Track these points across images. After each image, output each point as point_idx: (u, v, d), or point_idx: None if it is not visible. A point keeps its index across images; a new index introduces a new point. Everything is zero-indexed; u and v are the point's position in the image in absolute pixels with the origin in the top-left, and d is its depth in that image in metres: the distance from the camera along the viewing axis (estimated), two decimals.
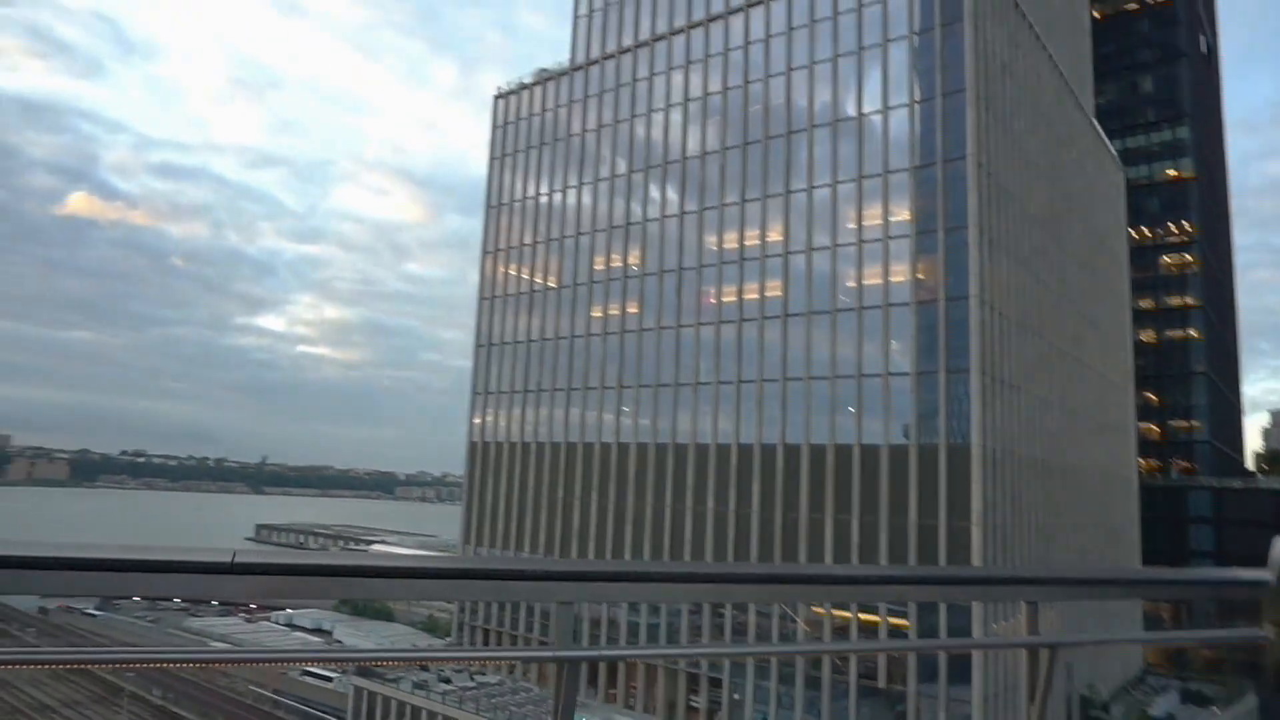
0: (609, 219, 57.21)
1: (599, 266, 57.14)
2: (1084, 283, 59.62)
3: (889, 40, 46.07)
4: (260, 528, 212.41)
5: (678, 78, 55.11)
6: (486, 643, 57.26)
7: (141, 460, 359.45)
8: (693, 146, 53.54)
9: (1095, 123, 68.00)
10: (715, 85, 52.97)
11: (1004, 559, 41.08)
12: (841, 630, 42.71)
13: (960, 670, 38.21)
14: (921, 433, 41.85)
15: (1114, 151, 73.04)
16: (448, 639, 62.95)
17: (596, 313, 56.41)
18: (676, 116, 54.75)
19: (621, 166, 57.29)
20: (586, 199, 59.01)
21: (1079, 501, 53.81)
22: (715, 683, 46.55)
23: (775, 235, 48.66)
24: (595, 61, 60.26)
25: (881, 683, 40.72)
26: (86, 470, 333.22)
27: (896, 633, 41.02)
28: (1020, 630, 3.11)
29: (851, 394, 44.16)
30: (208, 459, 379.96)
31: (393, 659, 2.98)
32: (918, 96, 44.77)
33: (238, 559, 2.28)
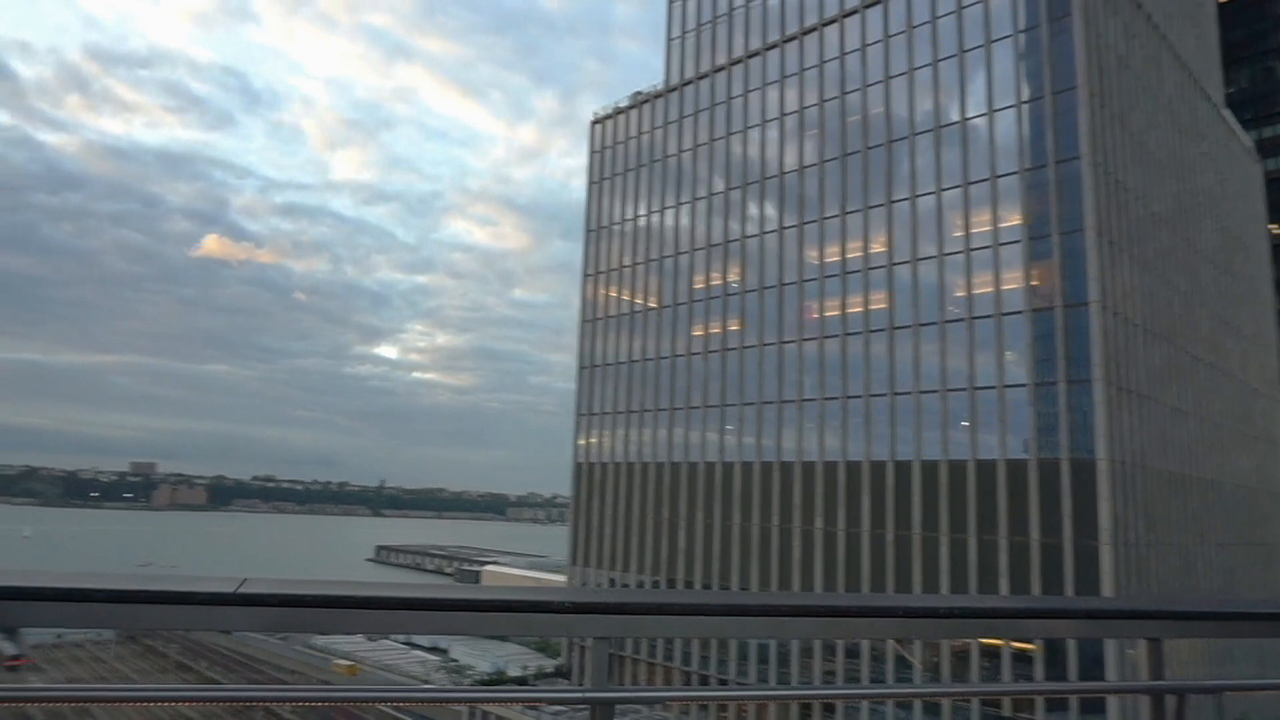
0: (708, 237, 57.10)
1: (699, 285, 57.03)
2: (1219, 284, 55.67)
3: (992, 40, 44.48)
4: (380, 549, 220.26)
5: (773, 93, 54.72)
6: (610, 666, 57.23)
7: (271, 485, 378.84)
8: (790, 161, 52.95)
9: (1226, 113, 63.70)
10: (812, 98, 52.32)
11: (1139, 580, 38.47)
12: (961, 654, 40.84)
13: (1094, 702, 35.91)
14: (1042, 446, 39.79)
15: (1249, 143, 68.22)
16: (558, 660, 63.43)
17: (698, 331, 56.25)
18: (773, 132, 54.31)
19: (719, 184, 57.16)
20: (685, 218, 59.10)
21: (1223, 518, 49.94)
22: (829, 709, 45.25)
23: (878, 246, 47.48)
24: (690, 82, 60.51)
25: (1007, 711, 38.66)
26: (222, 495, 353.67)
27: (988, 674, 38.92)
28: (1141, 672, 2.75)
29: (964, 407, 42.46)
30: (330, 483, 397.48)
31: (404, 698, 2.76)
32: (1026, 96, 43.00)
33: (242, 589, 2.29)
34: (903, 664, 43.36)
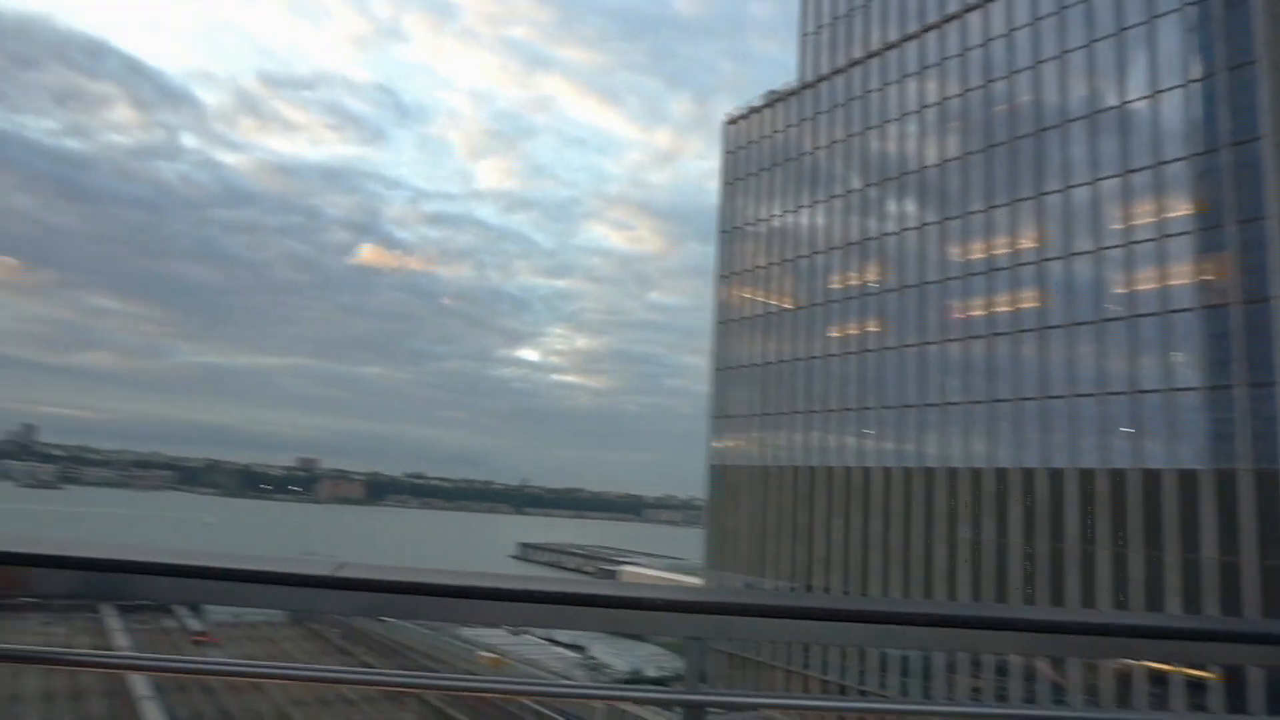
0: (844, 236, 55.74)
1: (836, 285, 55.77)
2: None
3: (1155, 16, 41.26)
4: (522, 545, 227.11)
5: (912, 86, 52.82)
6: (731, 669, 57.00)
7: (421, 482, 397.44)
8: (931, 155, 50.95)
9: None
10: (953, 89, 50.16)
11: None
12: (1126, 677, 38.09)
13: None
14: (1218, 456, 36.57)
15: None
16: None
17: (834, 332, 55.01)
18: (913, 126, 52.42)
19: (856, 182, 55.70)
20: (821, 217, 57.93)
21: None
22: None
23: (1027, 242, 44.99)
24: (825, 78, 59.26)
25: None
26: (377, 490, 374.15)
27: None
28: None
29: (1124, 412, 39.58)
30: (476, 481, 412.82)
31: (488, 691, 2.75)
32: (1196, 75, 39.65)
33: (340, 573, 2.31)
34: (1057, 684, 40.89)
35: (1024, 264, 44.89)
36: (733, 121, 67.20)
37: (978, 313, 46.67)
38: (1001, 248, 46.10)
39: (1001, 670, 41.70)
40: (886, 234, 52.88)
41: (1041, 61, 45.64)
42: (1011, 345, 44.64)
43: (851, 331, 53.91)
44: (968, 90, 49.28)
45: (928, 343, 48.84)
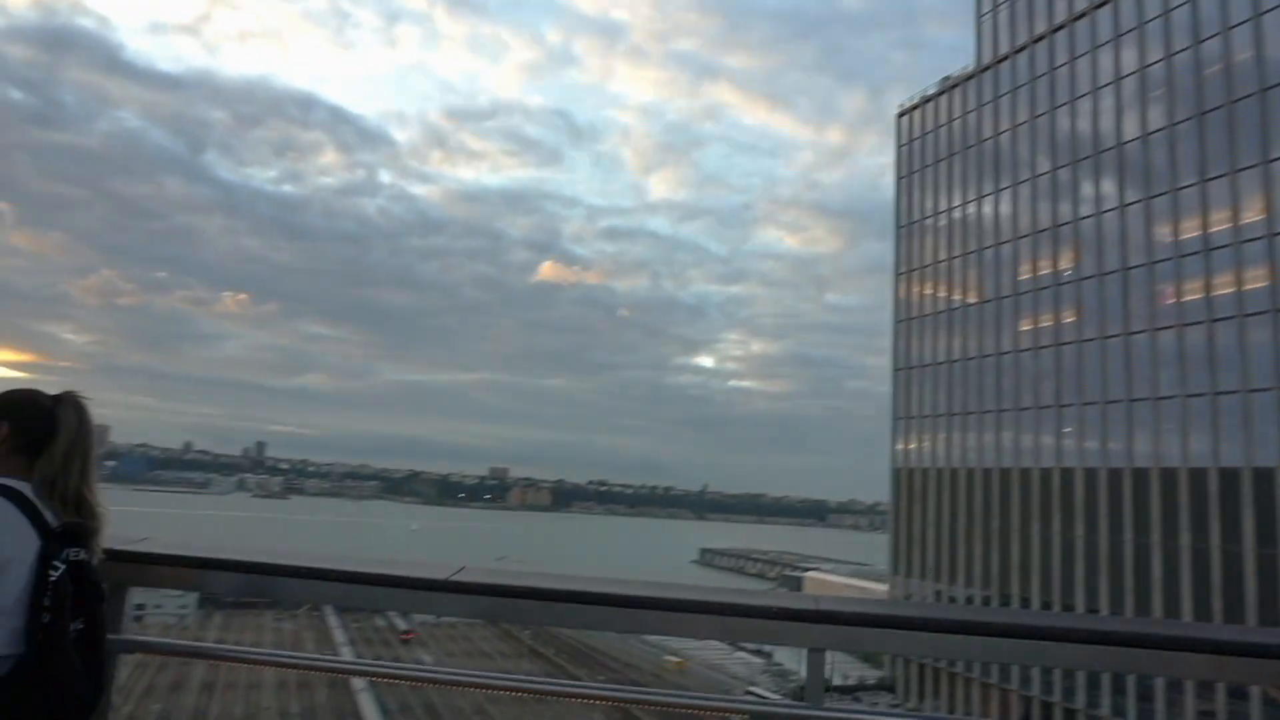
0: (1033, 223, 52.22)
1: (1025, 275, 52.33)
2: None
3: None
4: (704, 551, 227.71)
5: (1104, 56, 48.78)
6: (922, 681, 54.54)
7: (604, 489, 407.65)
8: (1130, 129, 46.82)
9: None
10: (1155, 54, 45.86)
11: None
12: None
13: None
14: None
15: None
16: (882, 671, 61.32)
17: (1025, 325, 51.60)
18: (1107, 99, 48.40)
19: (1044, 164, 52.09)
20: (1005, 205, 54.60)
21: None
22: None
23: (1252, 215, 40.33)
24: (1005, 58, 55.88)
25: None
26: (563, 497, 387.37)
27: None
28: None
29: None
30: (657, 487, 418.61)
31: (563, 693, 2.73)
32: None
33: (454, 577, 2.43)
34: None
35: (1249, 240, 40.28)
36: (906, 113, 64.71)
37: (1193, 296, 42.33)
38: (1220, 223, 41.59)
39: (1238, 694, 37.43)
40: (1081, 217, 49.08)
41: (1264, 12, 40.83)
42: (1236, 330, 40.14)
43: (1046, 323, 50.37)
44: (1172, 54, 44.89)
45: (1135, 331, 44.81)
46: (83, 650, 2.21)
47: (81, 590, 2.24)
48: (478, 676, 2.60)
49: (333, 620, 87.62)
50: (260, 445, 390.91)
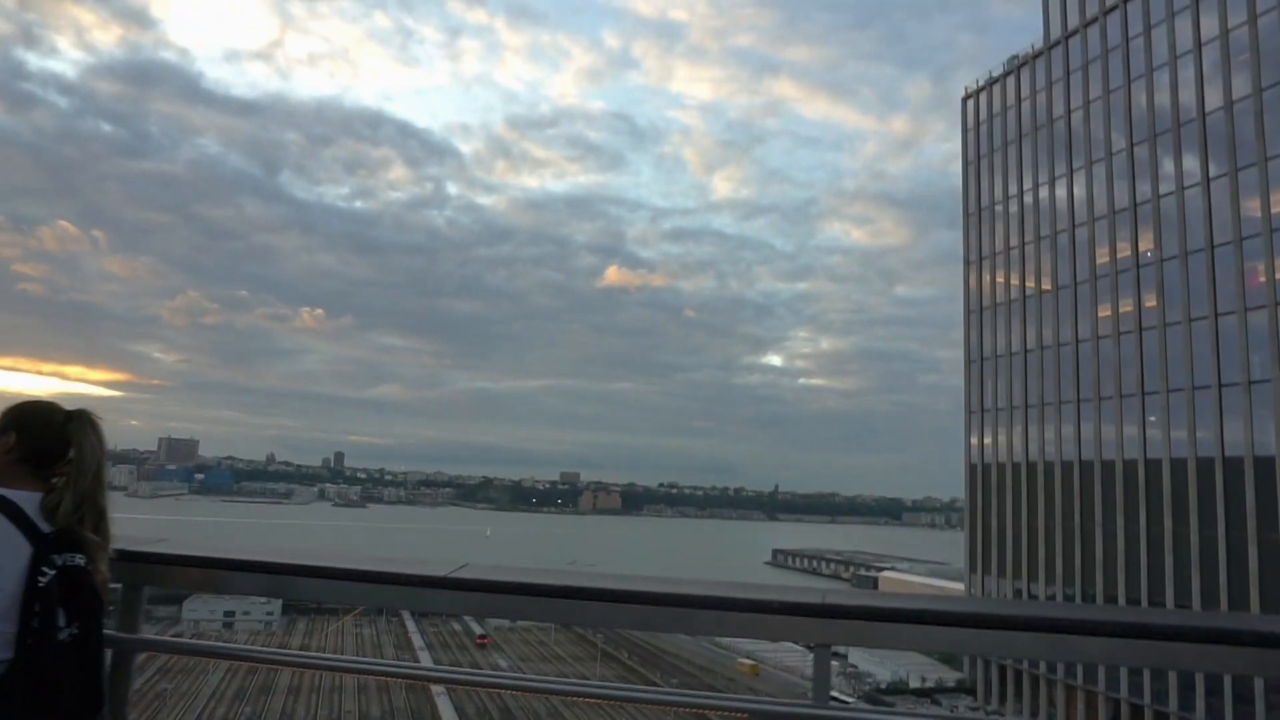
0: (1110, 204, 49.97)
1: (1102, 260, 50.11)
2: None
3: None
4: (776, 552, 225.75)
5: (1183, 22, 46.33)
6: (1003, 683, 52.60)
7: (675, 491, 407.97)
8: (1214, 99, 44.35)
9: None
10: (1238, 17, 43.33)
11: None
12: None
13: None
14: None
15: None
16: (961, 673, 59.46)
17: (1104, 312, 49.39)
18: (1187, 70, 45.98)
19: (1120, 142, 49.81)
20: (1079, 187, 52.40)
21: None
22: None
23: None
24: (1075, 32, 53.67)
25: None
26: (633, 501, 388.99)
27: None
28: None
29: None
30: (727, 489, 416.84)
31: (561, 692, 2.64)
32: None
33: (456, 574, 2.40)
34: None
35: None
36: (971, 96, 62.77)
37: None
38: None
39: None
40: (1162, 195, 46.74)
41: None
42: None
43: (1126, 308, 48.12)
44: (1260, 14, 42.26)
45: (1223, 314, 42.39)
46: (78, 655, 2.24)
47: (77, 596, 2.28)
48: (475, 676, 2.70)
49: (410, 625, 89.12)
50: (339, 455, 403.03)
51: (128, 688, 2.57)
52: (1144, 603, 43.51)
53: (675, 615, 2.19)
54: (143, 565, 2.65)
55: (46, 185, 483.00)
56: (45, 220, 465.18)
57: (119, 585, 2.58)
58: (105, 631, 2.38)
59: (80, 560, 2.31)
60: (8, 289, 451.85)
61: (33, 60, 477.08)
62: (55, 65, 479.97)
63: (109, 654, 2.50)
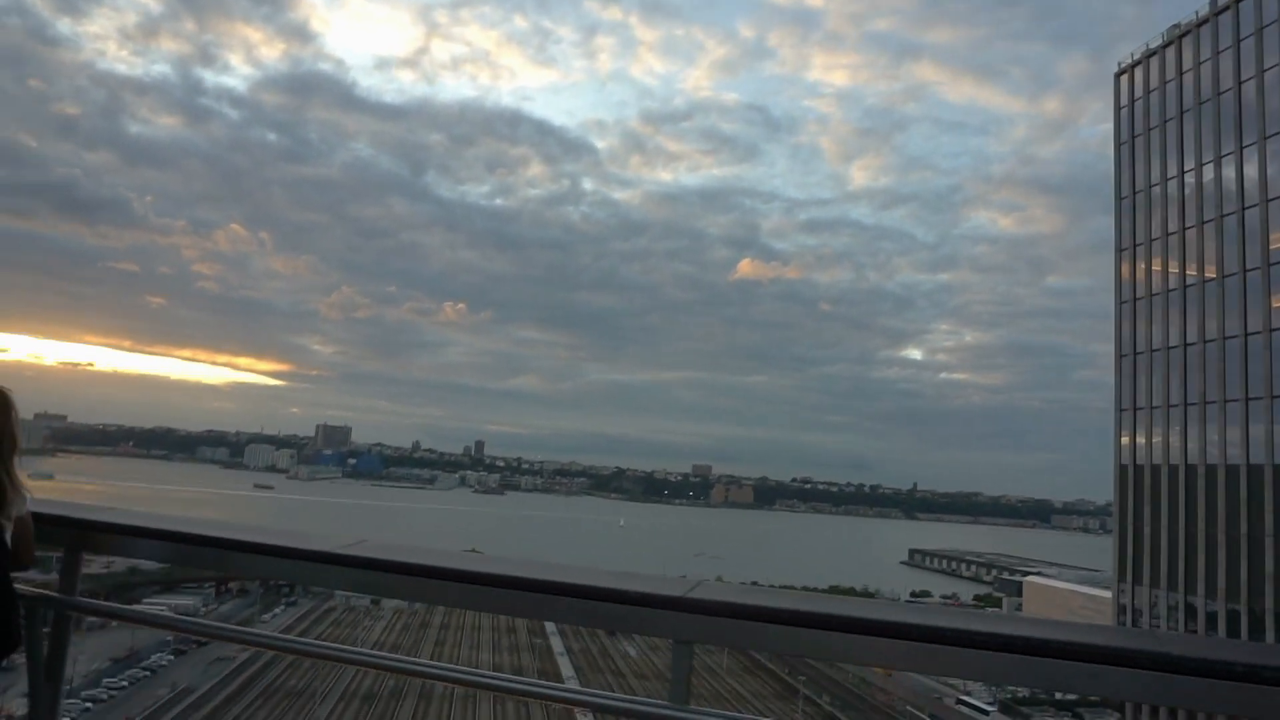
0: None
1: (1276, 245, 45.59)
2: None
3: None
4: (913, 552, 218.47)
5: None
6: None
7: (808, 486, 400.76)
8: None
9: None
10: None
11: None
12: None
13: None
14: None
15: None
16: None
17: (1278, 302, 44.94)
18: None
19: None
20: (1250, 166, 47.82)
21: None
22: None
23: None
24: None
25: None
26: (765, 495, 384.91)
27: None
28: None
29: None
30: (863, 485, 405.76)
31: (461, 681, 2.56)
32: None
33: (349, 550, 2.39)
34: None
35: None
36: (1125, 71, 58.39)
37: None
38: None
39: None
40: None
41: None
42: None
43: None
44: None
45: None
46: None
47: None
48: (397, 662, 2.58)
49: (556, 644, 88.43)
50: (479, 444, 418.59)
51: (65, 647, 2.76)
52: None
53: (537, 601, 2.13)
54: (75, 531, 2.81)
55: (221, 191, 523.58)
56: (220, 224, 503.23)
57: (60, 552, 2.80)
58: (48, 594, 2.69)
59: None
60: (188, 287, 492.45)
61: (209, 77, 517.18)
62: (228, 81, 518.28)
63: (50, 615, 2.74)
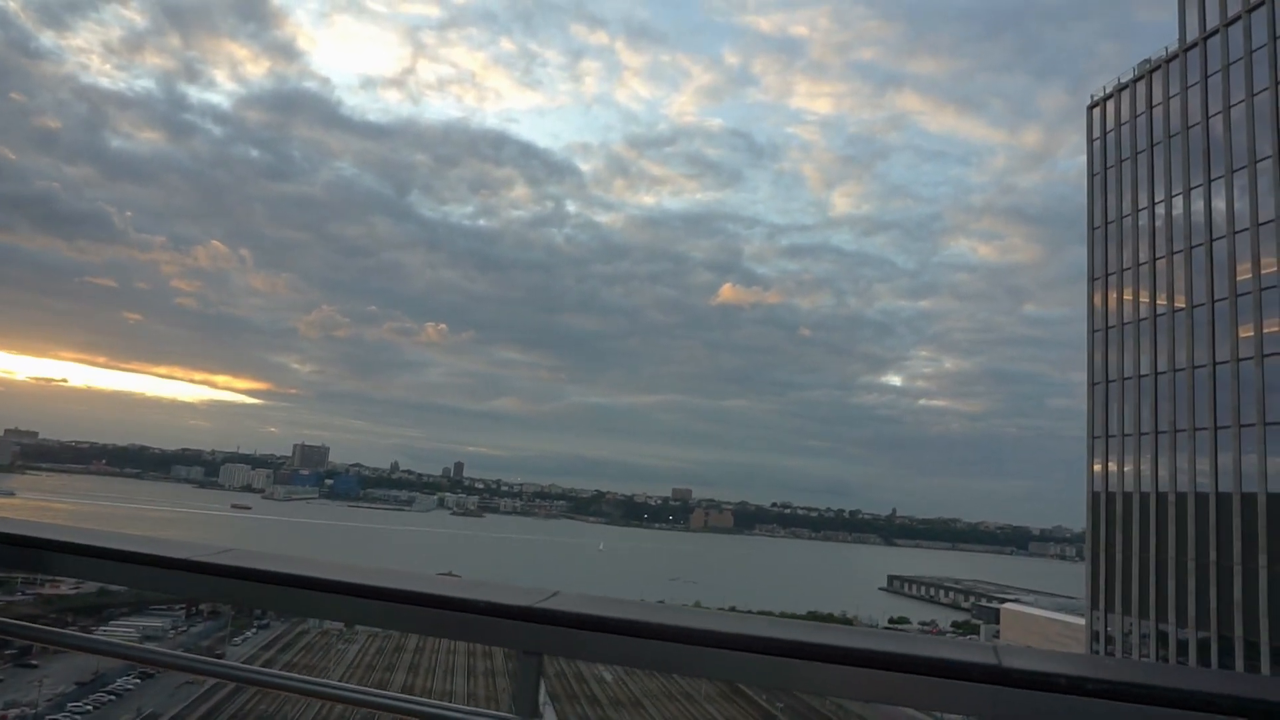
0: (1253, 215, 46.23)
1: (1244, 276, 46.37)
2: None
3: None
4: (891, 579, 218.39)
5: None
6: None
7: (788, 511, 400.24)
8: None
9: None
10: None
11: None
12: None
13: None
14: None
15: None
16: None
17: (1245, 332, 45.64)
18: None
19: (1265, 149, 46.05)
20: (1218, 198, 48.76)
21: None
22: None
23: None
24: (1214, 32, 50.12)
25: None
26: (745, 520, 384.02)
27: None
28: None
29: None
30: (843, 511, 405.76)
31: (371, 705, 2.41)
32: None
33: (215, 559, 2.29)
34: None
35: None
36: (1097, 104, 59.51)
37: None
38: None
39: None
40: None
41: None
42: None
43: (1271, 328, 44.32)
44: None
45: None
46: None
47: None
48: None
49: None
50: (458, 465, 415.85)
51: None
52: None
53: (383, 609, 2.05)
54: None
55: (202, 207, 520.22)
56: (200, 240, 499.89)
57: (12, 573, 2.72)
58: None
59: None
60: (167, 304, 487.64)
61: (193, 93, 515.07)
62: (212, 97, 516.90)
63: None
